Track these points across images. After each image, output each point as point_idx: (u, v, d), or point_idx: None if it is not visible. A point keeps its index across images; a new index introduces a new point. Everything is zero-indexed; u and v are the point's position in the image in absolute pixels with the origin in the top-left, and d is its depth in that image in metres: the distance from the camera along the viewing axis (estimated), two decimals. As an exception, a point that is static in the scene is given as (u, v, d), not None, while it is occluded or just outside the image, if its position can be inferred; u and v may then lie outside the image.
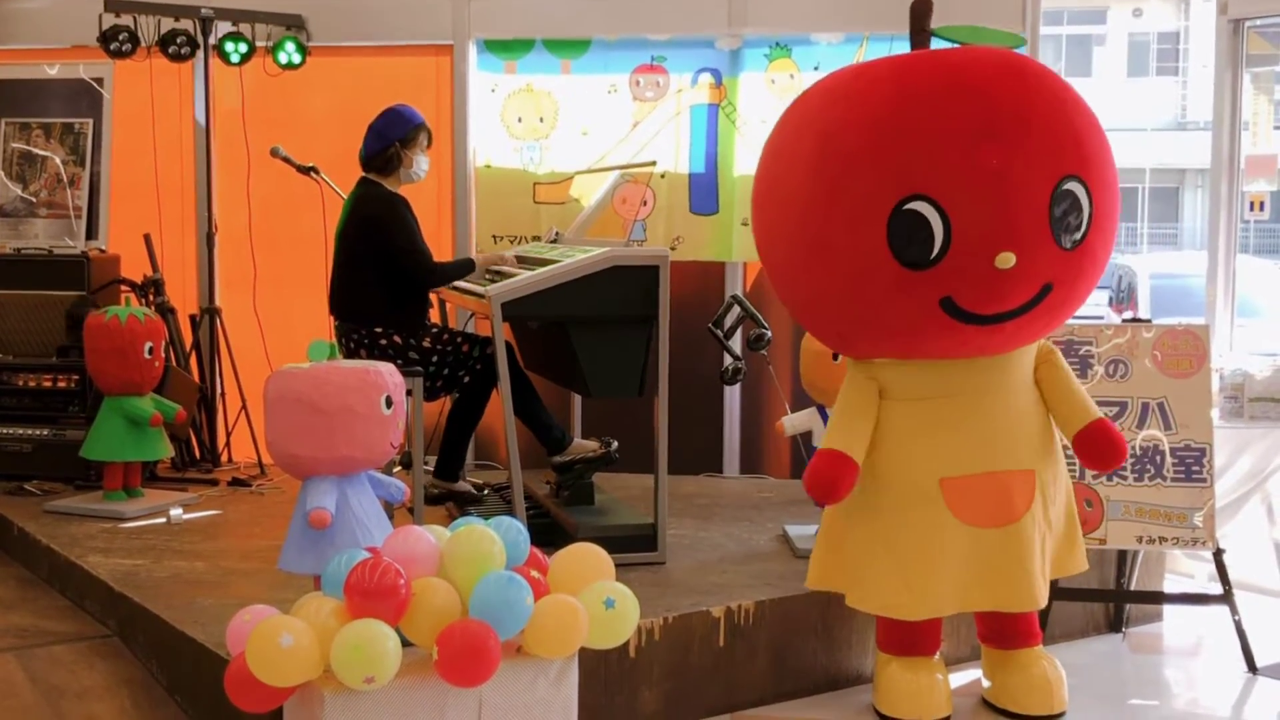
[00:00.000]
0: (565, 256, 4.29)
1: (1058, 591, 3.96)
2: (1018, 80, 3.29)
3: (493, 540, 2.92)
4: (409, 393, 3.76)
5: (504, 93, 6.05)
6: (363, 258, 4.68)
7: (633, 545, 4.15)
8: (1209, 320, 5.30)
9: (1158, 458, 4.24)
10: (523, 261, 4.70)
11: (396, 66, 6.18)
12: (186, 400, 5.55)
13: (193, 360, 5.94)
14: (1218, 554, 4.17)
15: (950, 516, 3.43)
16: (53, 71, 6.06)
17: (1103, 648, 4.33)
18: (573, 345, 4.15)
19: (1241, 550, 4.77)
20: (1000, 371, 3.51)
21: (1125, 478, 4.24)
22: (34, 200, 6.01)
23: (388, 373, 3.31)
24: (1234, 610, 4.12)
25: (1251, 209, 5.42)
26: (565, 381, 4.77)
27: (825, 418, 4.49)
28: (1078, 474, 4.19)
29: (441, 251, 5.20)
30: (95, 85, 5.99)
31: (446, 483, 4.86)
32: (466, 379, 4.72)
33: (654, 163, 5.63)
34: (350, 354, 4.66)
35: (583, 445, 4.67)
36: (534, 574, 2.98)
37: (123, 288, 5.77)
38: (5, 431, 5.55)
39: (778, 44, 5.85)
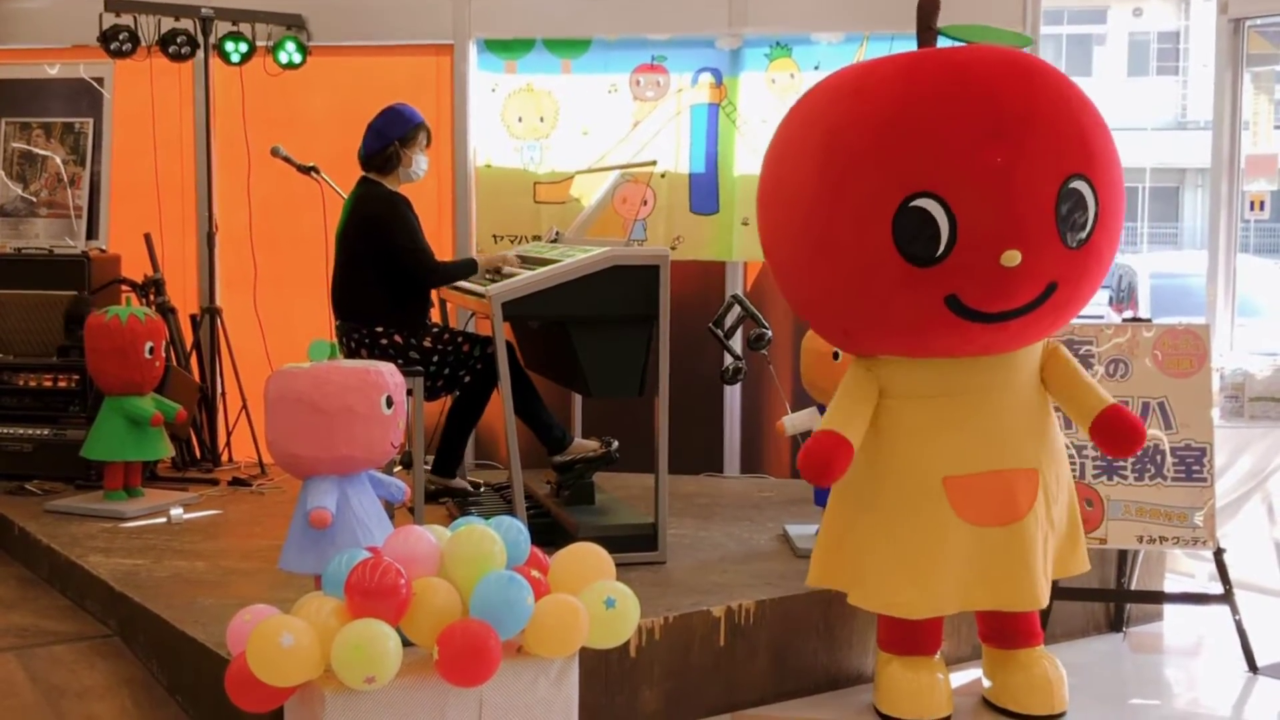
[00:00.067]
0: (565, 256, 4.28)
1: (1058, 591, 3.96)
2: (1024, 79, 3.29)
3: (493, 540, 2.92)
4: (409, 392, 3.76)
5: (504, 92, 6.04)
6: (363, 257, 4.68)
7: (633, 545, 4.15)
8: (1209, 320, 5.29)
9: (1158, 457, 4.24)
10: (524, 261, 4.71)
11: (397, 66, 6.18)
12: (187, 400, 5.55)
13: (193, 360, 5.94)
14: (1218, 553, 4.17)
15: (953, 515, 3.43)
16: (53, 71, 6.06)
17: (1103, 647, 4.32)
18: (573, 345, 4.15)
19: (1242, 550, 4.78)
20: (1004, 370, 3.50)
21: (1126, 477, 4.24)
22: (34, 200, 6.01)
23: (388, 372, 3.30)
24: (1234, 610, 4.12)
25: (1252, 208, 5.42)
26: (566, 381, 4.77)
27: (826, 417, 4.49)
28: (1078, 473, 4.19)
29: (442, 251, 5.19)
30: (95, 85, 5.99)
31: (443, 479, 4.87)
32: (467, 378, 4.73)
33: (654, 162, 5.63)
34: (351, 354, 4.66)
35: (583, 445, 4.67)
36: (534, 574, 2.97)
37: (123, 287, 5.77)
38: (6, 431, 5.55)
39: (778, 44, 5.85)
